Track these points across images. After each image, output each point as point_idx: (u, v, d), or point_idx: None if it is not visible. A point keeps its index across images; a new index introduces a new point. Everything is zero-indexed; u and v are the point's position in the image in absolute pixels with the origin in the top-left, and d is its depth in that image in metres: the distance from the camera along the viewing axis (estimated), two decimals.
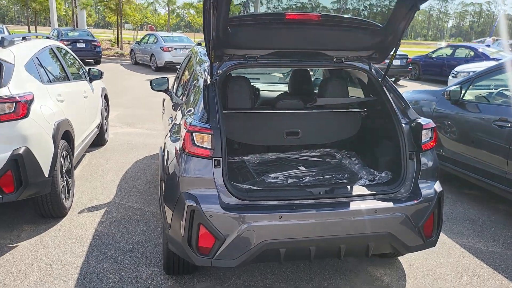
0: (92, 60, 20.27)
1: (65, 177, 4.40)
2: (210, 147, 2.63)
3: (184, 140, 2.67)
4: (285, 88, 5.14)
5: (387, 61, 3.35)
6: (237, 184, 2.93)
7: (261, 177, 3.28)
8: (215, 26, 2.74)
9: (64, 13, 35.62)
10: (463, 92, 5.08)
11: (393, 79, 16.61)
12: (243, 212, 2.58)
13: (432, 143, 3.04)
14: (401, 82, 17.08)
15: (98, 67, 19.75)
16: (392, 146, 3.17)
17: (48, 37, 5.48)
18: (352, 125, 3.81)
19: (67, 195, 4.41)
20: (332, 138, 3.89)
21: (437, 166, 3.07)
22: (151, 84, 5.09)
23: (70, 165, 4.57)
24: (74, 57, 6.12)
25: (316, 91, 4.12)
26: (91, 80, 6.25)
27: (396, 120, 3.09)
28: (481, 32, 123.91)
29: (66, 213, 4.34)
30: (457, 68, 13.32)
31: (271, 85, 6.05)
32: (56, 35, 20.65)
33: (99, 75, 6.32)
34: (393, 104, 3.19)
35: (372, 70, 3.41)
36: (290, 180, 3.23)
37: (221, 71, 3.08)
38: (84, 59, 20.34)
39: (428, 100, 5.82)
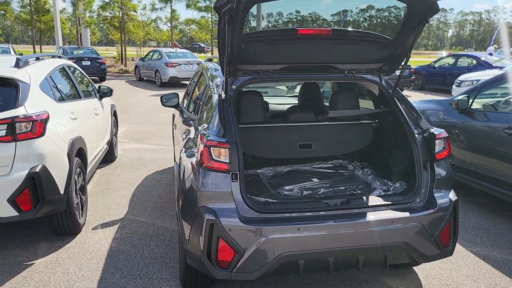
0: (97, 78, 20.48)
1: (79, 193, 4.45)
2: (228, 161, 2.67)
3: (201, 154, 2.72)
4: (292, 101, 5.21)
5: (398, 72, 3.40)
6: (254, 197, 2.97)
7: (276, 189, 3.31)
8: (230, 43, 2.81)
9: (68, 31, 36.11)
10: (470, 101, 5.12)
11: None
12: (262, 225, 2.61)
13: (445, 153, 3.08)
14: (404, 92, 17.14)
15: (103, 83, 19.98)
16: (405, 156, 3.20)
17: (60, 57, 5.59)
18: (364, 136, 3.86)
19: (81, 211, 4.45)
20: (344, 150, 3.93)
21: (451, 176, 3.10)
22: (161, 100, 5.16)
23: (83, 182, 4.62)
24: (83, 74, 6.22)
25: (326, 104, 4.17)
26: (101, 98, 6.34)
27: (409, 131, 3.13)
28: (482, 40, 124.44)
29: (80, 230, 4.37)
30: (461, 77, 13.39)
31: (278, 98, 6.11)
32: (62, 53, 20.92)
33: (109, 92, 6.41)
34: (405, 115, 3.23)
35: (383, 82, 3.46)
36: (305, 192, 3.26)
37: (235, 86, 3.14)
38: (89, 77, 20.62)
39: (435, 110, 5.85)
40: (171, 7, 30.16)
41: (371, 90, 3.72)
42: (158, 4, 30.66)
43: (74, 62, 19.34)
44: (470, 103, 5.13)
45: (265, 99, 5.70)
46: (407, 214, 2.79)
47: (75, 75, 5.64)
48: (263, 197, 3.06)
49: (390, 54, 3.27)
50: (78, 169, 4.39)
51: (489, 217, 4.88)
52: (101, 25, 34.01)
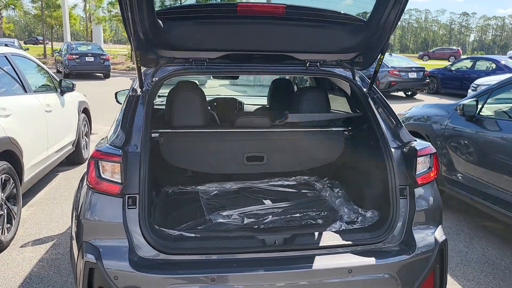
0: (102, 74, 20.03)
1: (5, 205, 3.76)
2: (119, 181, 1.93)
3: (88, 170, 1.98)
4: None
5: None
6: (165, 229, 2.21)
7: (212, 214, 2.56)
8: (138, 19, 2.06)
9: (81, 28, 36.00)
10: (479, 106, 4.26)
11: (409, 93, 15.73)
12: (162, 272, 1.85)
13: (432, 175, 2.28)
14: (418, 96, 16.17)
15: (106, 81, 19.51)
16: (381, 177, 2.41)
17: (6, 45, 4.93)
18: (332, 147, 3.06)
19: (6, 226, 3.76)
20: (306, 165, 3.13)
21: (440, 206, 2.30)
22: (116, 97, 4.46)
23: (15, 190, 3.93)
24: (42, 67, 5.56)
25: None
26: (62, 93, 5.66)
27: (383, 143, 2.34)
28: (504, 46, 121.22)
29: (4, 247, 3.68)
30: (478, 81, 12.36)
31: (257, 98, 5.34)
32: (66, 49, 20.54)
33: (72, 87, 5.74)
34: (381, 122, 2.44)
35: (356, 78, 2.68)
36: (246, 220, 2.50)
37: (157, 79, 2.40)
38: (94, 73, 20.18)
39: (440, 115, 5.01)
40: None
41: (344, 89, 2.93)
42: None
43: (77, 58, 19.00)
44: (479, 109, 4.26)
45: (243, 98, 4.99)
46: (372, 260, 2.00)
47: (25, 67, 4.97)
48: (183, 228, 2.31)
49: (365, 41, 2.48)
50: (4, 175, 3.69)
51: (499, 248, 4.02)
52: (112, 22, 33.74)
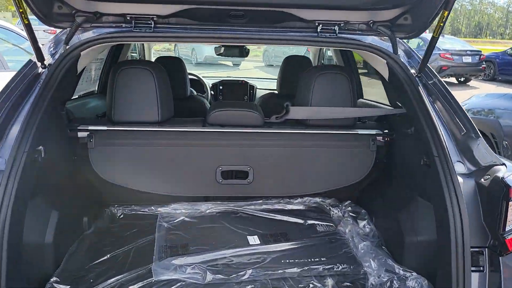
0: None
1: None
2: None
3: None
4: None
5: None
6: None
7: (160, 260, 1.66)
8: None
9: None
10: None
11: (462, 79, 14.09)
12: None
13: None
14: (472, 82, 14.48)
15: None
16: (435, 222, 1.41)
17: None
18: (358, 160, 2.01)
19: None
20: (315, 187, 2.11)
21: None
22: None
23: None
24: None
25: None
26: None
27: (442, 164, 1.36)
28: None
29: None
30: None
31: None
32: None
33: None
34: (439, 126, 1.44)
35: (400, 53, 1.66)
36: (209, 277, 1.58)
37: (70, 46, 1.51)
38: None
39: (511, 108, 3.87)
40: None
41: (380, 70, 1.89)
42: None
43: None
44: None
45: (252, 81, 4.01)
46: None
47: None
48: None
49: None
50: None
51: None
52: None
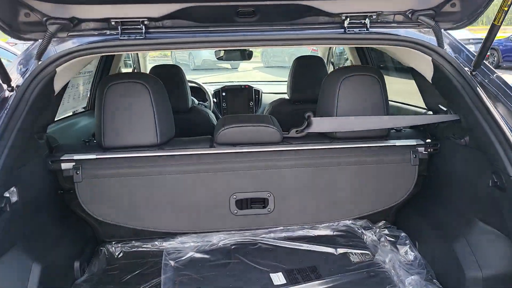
0: None
1: None
2: None
3: None
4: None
5: None
6: None
7: None
8: None
9: None
10: None
11: None
12: None
13: None
14: None
15: None
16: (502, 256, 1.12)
17: None
18: (398, 177, 1.71)
19: None
20: (348, 212, 1.80)
21: None
22: None
23: None
24: None
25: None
26: None
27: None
28: None
29: None
30: None
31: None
32: None
33: None
34: (505, 138, 1.14)
35: (446, 48, 1.37)
36: None
37: (41, 64, 1.22)
38: None
39: None
40: None
41: (418, 70, 1.59)
42: None
43: None
44: None
45: (260, 86, 3.71)
46: None
47: None
48: None
49: None
50: None
51: None
52: None
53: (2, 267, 1.13)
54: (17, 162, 1.23)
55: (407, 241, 1.71)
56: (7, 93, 1.22)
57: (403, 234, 1.74)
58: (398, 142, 1.66)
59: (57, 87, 1.38)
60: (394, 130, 1.76)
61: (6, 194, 1.13)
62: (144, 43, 1.31)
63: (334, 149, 1.66)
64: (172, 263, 1.71)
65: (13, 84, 1.23)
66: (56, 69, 1.27)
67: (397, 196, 1.71)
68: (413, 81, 1.83)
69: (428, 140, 1.66)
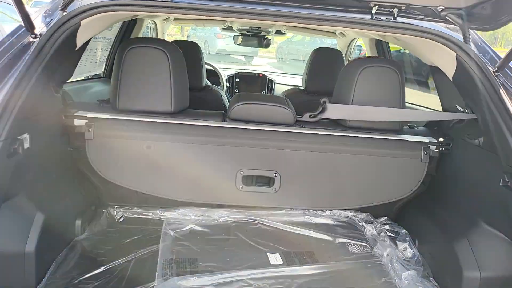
0: None
1: None
2: None
3: None
4: None
5: None
6: None
7: (165, 278, 1.39)
8: None
9: None
10: None
11: None
12: None
13: None
14: None
15: None
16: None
17: None
18: (406, 172, 1.71)
19: None
20: (352, 201, 1.80)
21: None
22: None
23: None
24: None
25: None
26: None
27: None
28: None
29: None
30: None
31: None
32: None
33: None
34: None
35: (472, 46, 1.36)
36: None
37: (67, 15, 1.23)
38: None
39: None
40: None
41: (438, 66, 1.58)
42: None
43: None
44: None
45: (272, 76, 3.71)
46: None
47: None
48: None
49: None
50: None
51: None
52: None
53: (7, 210, 1.14)
54: (32, 110, 1.23)
55: (407, 238, 1.71)
56: (30, 39, 1.23)
57: (403, 231, 1.74)
58: (411, 138, 1.66)
59: (79, 41, 1.39)
60: (407, 127, 1.76)
61: (20, 137, 1.14)
62: (171, 6, 1.31)
63: (345, 137, 1.66)
64: (171, 232, 1.72)
65: (37, 32, 1.24)
66: (81, 21, 1.27)
67: (402, 191, 1.71)
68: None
69: (441, 139, 1.66)
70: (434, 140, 1.67)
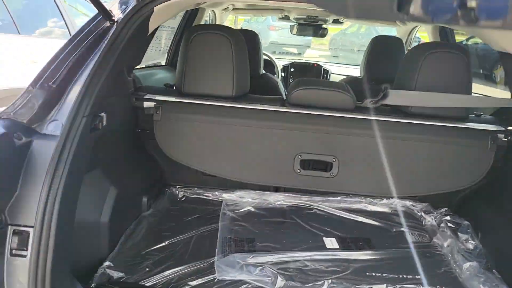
0: None
1: None
2: None
3: None
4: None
5: None
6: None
7: (224, 255, 1.45)
8: None
9: None
10: None
11: None
12: None
13: None
14: None
15: None
16: None
17: None
18: (471, 160, 1.66)
19: None
20: (413, 188, 1.77)
21: None
22: None
23: None
24: None
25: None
26: None
27: None
28: None
29: None
30: None
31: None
32: None
33: None
34: None
35: None
36: (281, 283, 1.34)
37: (142, 1, 1.31)
38: None
39: None
40: None
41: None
42: None
43: None
44: None
45: (327, 67, 3.67)
46: None
47: None
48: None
49: None
50: None
51: None
52: None
53: (88, 181, 1.25)
54: (108, 91, 1.33)
55: (469, 230, 1.67)
56: (108, 24, 1.32)
57: (465, 222, 1.69)
58: (477, 126, 1.61)
59: (151, 27, 1.47)
60: (473, 115, 1.70)
61: (101, 113, 1.24)
62: None
63: (407, 124, 1.63)
64: (229, 213, 1.79)
65: (115, 18, 1.32)
66: (154, 8, 1.35)
67: (465, 181, 1.66)
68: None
69: (510, 128, 1.59)
70: (503, 129, 1.60)
